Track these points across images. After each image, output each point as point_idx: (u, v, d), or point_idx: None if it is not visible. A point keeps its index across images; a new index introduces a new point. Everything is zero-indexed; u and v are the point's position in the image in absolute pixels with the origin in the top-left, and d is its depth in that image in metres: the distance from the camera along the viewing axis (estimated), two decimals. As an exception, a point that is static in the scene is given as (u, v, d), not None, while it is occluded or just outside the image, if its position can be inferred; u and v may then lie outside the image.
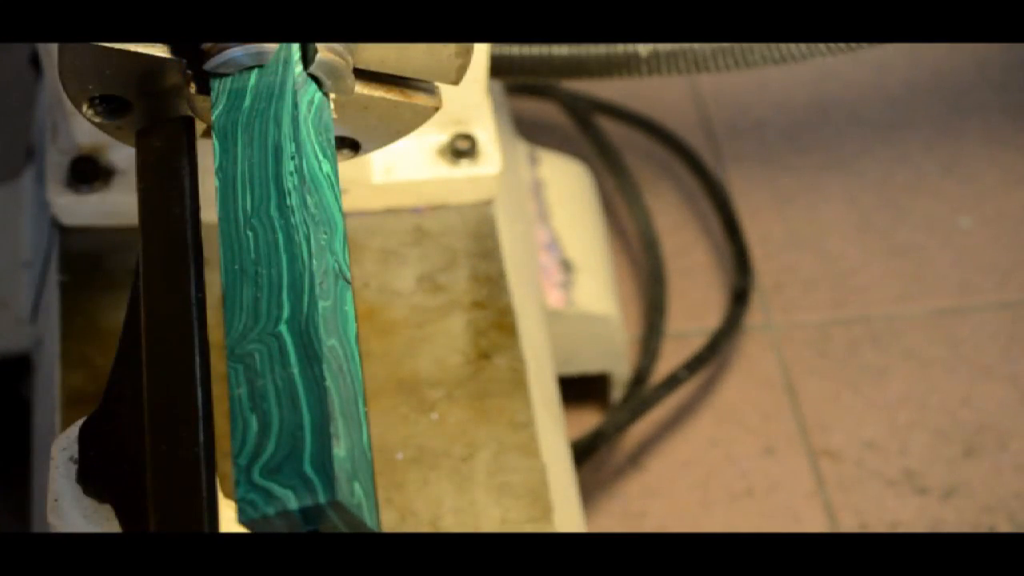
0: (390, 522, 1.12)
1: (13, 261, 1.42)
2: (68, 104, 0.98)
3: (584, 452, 1.51)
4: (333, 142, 0.93)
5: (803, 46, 1.39)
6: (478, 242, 1.27)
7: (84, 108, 0.96)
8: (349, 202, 1.24)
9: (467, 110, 1.26)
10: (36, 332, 1.34)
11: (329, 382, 0.80)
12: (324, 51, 0.93)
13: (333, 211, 0.89)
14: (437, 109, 1.01)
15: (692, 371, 1.59)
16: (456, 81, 0.99)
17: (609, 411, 1.59)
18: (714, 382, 1.64)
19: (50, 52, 1.17)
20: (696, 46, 1.39)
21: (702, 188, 1.78)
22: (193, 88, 0.94)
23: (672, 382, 1.58)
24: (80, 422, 0.93)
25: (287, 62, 0.93)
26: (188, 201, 0.91)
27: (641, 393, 1.58)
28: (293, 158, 0.89)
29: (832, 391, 1.64)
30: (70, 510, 0.92)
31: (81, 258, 1.24)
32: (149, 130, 0.95)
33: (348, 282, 0.87)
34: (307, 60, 0.93)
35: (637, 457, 1.59)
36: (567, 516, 1.17)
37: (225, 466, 0.81)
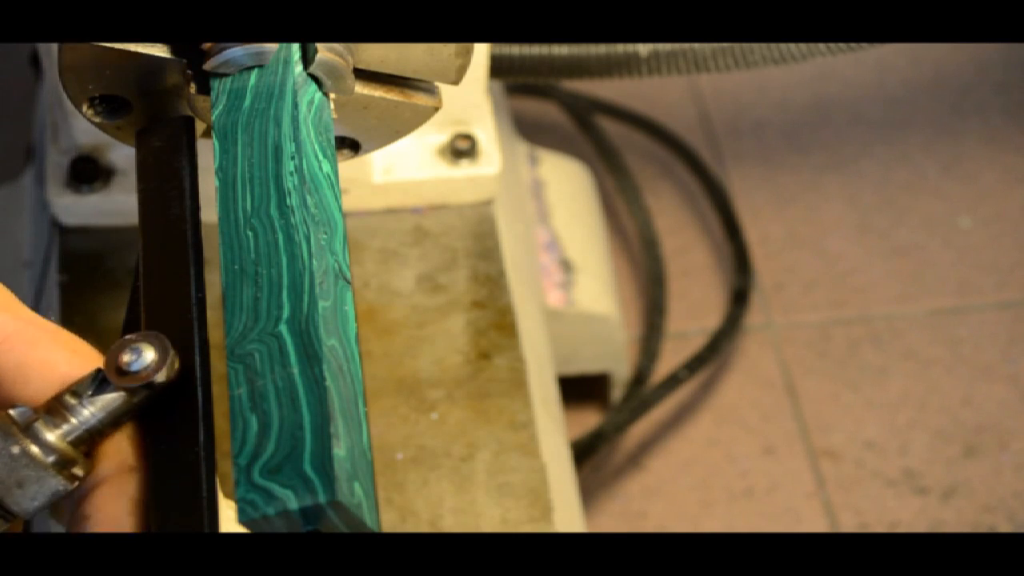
0: (390, 522, 1.12)
1: (13, 261, 1.41)
2: (68, 104, 0.98)
3: (584, 452, 1.51)
4: (333, 142, 0.93)
5: (803, 46, 1.39)
6: (478, 242, 1.27)
7: (84, 108, 0.95)
8: (349, 202, 1.24)
9: (467, 110, 1.26)
10: (36, 332, 1.34)
11: (329, 382, 0.80)
12: (324, 51, 0.93)
13: (333, 211, 0.89)
14: (437, 109, 1.01)
15: (692, 371, 1.59)
16: (456, 81, 0.99)
17: (609, 411, 1.59)
18: (714, 382, 1.64)
19: (50, 52, 1.17)
20: (696, 46, 1.39)
21: (702, 188, 1.78)
22: (193, 88, 0.94)
23: (672, 382, 1.58)
24: (80, 422, 0.93)
25: (287, 62, 0.93)
26: (188, 201, 0.91)
27: (641, 393, 1.58)
28: (293, 158, 0.89)
29: (832, 391, 1.63)
30: (70, 510, 0.91)
31: (81, 258, 1.24)
32: (149, 130, 0.95)
33: (348, 282, 0.86)
34: (307, 60, 0.93)
35: (637, 457, 1.59)
36: (567, 516, 1.17)
37: (225, 466, 0.81)
